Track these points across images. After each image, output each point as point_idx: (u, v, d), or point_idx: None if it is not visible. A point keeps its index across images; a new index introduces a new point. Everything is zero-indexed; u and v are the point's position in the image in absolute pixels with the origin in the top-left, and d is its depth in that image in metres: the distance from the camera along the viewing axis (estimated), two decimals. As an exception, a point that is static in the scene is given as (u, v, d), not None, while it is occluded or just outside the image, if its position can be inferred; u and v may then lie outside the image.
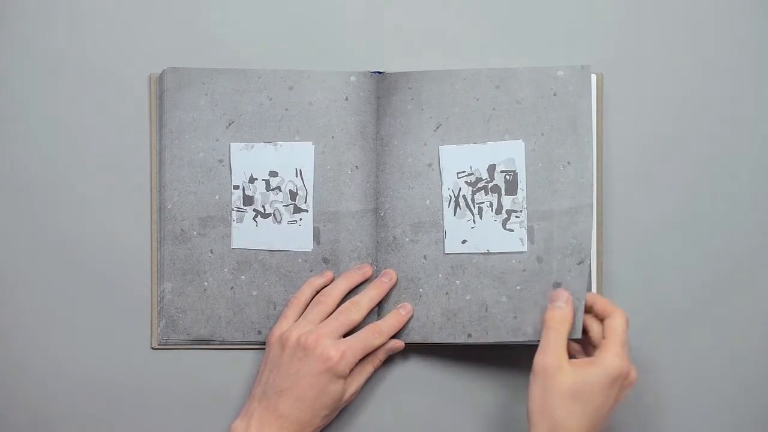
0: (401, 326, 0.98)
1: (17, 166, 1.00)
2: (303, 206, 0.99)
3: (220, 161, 1.00)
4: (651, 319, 1.00)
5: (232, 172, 1.00)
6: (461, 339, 0.98)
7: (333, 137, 0.99)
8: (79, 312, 1.00)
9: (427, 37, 1.01)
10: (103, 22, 1.00)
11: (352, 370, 0.94)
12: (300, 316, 0.97)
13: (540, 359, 0.89)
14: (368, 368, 0.97)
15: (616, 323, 0.91)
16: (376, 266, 0.99)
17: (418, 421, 1.01)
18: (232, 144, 0.99)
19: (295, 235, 0.99)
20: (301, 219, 0.99)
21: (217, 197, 1.00)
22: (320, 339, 0.93)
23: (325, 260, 0.99)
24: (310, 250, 0.99)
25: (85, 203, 1.01)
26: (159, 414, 1.01)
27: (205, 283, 1.00)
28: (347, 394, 0.95)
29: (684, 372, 1.01)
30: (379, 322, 0.97)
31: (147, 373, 1.01)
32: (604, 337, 0.91)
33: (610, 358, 0.89)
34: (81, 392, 1.01)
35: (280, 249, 1.00)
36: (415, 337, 0.99)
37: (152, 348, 1.00)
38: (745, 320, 1.01)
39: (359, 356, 0.94)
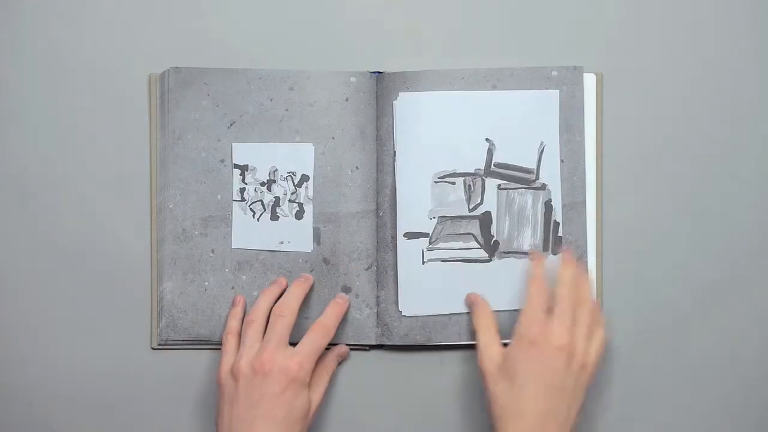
0: (342, 314, 0.97)
1: (17, 166, 1.00)
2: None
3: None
4: (651, 319, 1.01)
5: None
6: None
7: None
8: (79, 312, 1.00)
9: (426, 37, 1.01)
10: (103, 22, 1.00)
11: (310, 379, 0.93)
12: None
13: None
14: (324, 377, 0.96)
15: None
16: (376, 267, 0.99)
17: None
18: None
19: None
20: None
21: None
22: (273, 356, 0.91)
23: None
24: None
25: (85, 203, 1.00)
26: (159, 414, 1.01)
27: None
28: (313, 405, 0.94)
29: (684, 372, 1.01)
30: (321, 318, 0.96)
31: (147, 373, 1.00)
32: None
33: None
34: (81, 392, 1.01)
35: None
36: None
37: (152, 348, 1.00)
38: (745, 320, 1.01)
39: (315, 359, 0.93)
